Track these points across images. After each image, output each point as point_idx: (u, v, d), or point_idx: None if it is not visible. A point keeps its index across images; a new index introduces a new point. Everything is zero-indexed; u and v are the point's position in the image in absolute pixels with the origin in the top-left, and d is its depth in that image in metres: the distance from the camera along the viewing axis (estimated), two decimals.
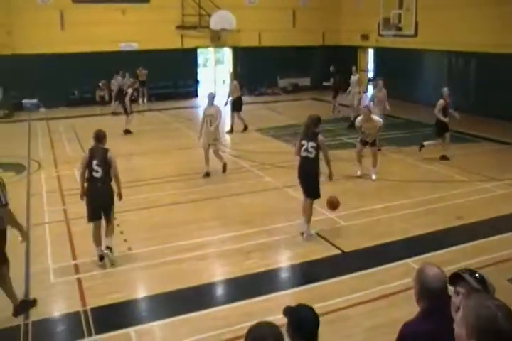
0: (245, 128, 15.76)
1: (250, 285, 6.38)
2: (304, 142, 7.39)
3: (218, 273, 6.79)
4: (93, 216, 6.77)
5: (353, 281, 6.32)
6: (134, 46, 21.44)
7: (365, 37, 23.32)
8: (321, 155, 7.52)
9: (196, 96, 23.02)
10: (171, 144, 14.04)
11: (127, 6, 21.02)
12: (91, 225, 6.85)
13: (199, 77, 23.61)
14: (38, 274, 6.46)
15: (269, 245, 7.41)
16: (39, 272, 6.52)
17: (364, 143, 10.83)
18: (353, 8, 24.13)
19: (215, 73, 24.37)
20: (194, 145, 13.89)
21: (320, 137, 7.42)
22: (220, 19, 21.77)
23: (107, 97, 20.88)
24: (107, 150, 6.77)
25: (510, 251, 7.09)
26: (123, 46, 21.26)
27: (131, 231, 7.87)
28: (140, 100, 21.22)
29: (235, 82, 15.92)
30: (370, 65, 24.62)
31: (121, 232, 7.79)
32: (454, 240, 7.48)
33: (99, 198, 6.72)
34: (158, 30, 21.12)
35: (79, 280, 6.38)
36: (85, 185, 6.91)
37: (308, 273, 6.74)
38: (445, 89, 12.21)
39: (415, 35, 16.16)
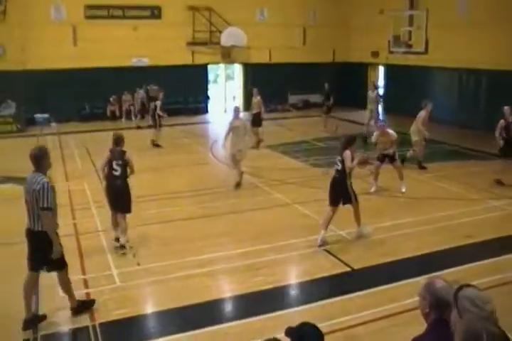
0: (258, 143, 15.78)
1: (259, 303, 6.34)
2: (336, 156, 8.23)
3: (227, 289, 6.77)
4: (111, 208, 7.96)
5: (361, 299, 6.27)
6: (145, 62, 21.69)
7: (375, 54, 23.44)
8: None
9: (206, 112, 23.18)
10: (182, 160, 14.11)
11: (139, 22, 21.31)
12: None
13: (209, 93, 23.78)
14: (48, 288, 6.45)
15: (278, 262, 7.38)
16: (48, 286, 6.51)
17: (382, 158, 10.83)
18: (363, 25, 24.32)
19: (225, 89, 24.55)
20: (204, 161, 14.02)
21: (346, 152, 7.99)
22: (231, 36, 21.97)
23: (117, 112, 21.08)
24: (124, 152, 7.80)
25: None
26: (134, 62, 21.51)
27: (140, 246, 7.88)
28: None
29: (258, 97, 16.03)
30: (381, 82, 24.70)
31: (131, 247, 7.79)
32: (464, 259, 7.42)
33: (118, 196, 7.80)
34: (170, 46, 21.37)
35: (88, 295, 6.38)
36: (105, 182, 7.98)
37: (317, 290, 6.69)
38: (506, 108, 11.39)
39: (426, 52, 16.21)
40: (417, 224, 8.84)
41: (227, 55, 22.69)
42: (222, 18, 22.25)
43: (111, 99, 20.91)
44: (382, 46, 19.44)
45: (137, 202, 10.04)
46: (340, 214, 9.24)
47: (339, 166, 8.07)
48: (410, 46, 16.79)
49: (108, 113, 21.03)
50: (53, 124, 19.60)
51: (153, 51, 21.28)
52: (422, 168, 12.57)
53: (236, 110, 11.47)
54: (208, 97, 23.54)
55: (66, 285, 5.89)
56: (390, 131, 10.88)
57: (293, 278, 7.12)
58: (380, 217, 9.21)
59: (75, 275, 6.82)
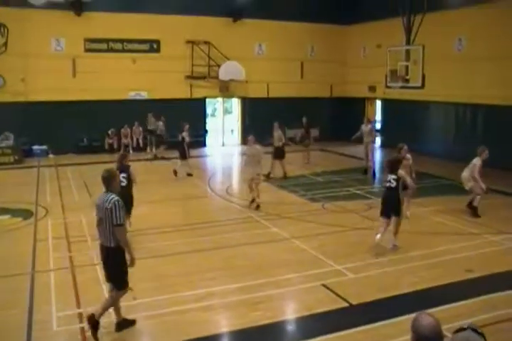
0: (285, 176, 16.11)
1: (257, 338, 6.26)
2: (388, 175, 9.28)
3: (223, 324, 6.65)
4: None
5: (359, 335, 6.18)
6: (144, 95, 21.97)
7: (372, 88, 23.84)
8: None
9: (205, 145, 23.32)
10: (179, 193, 14.10)
11: (138, 55, 21.71)
12: None
13: (207, 127, 23.98)
14: (41, 322, 6.35)
15: (275, 297, 7.30)
16: (42, 320, 6.42)
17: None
18: (360, 60, 24.82)
19: (223, 123, 24.78)
20: (202, 195, 14.02)
21: (399, 172, 9.21)
22: (229, 70, 22.34)
23: (115, 145, 21.19)
24: (129, 166, 9.87)
25: None
26: (132, 95, 21.79)
27: (136, 281, 7.74)
28: (148, 148, 21.51)
29: (279, 131, 16.32)
30: (378, 116, 25.02)
31: None
32: (464, 294, 7.35)
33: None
34: (168, 79, 21.70)
35: (82, 330, 6.26)
36: None
37: (315, 325, 6.58)
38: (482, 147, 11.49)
39: (422, 86, 16.47)
40: (416, 259, 8.79)
41: (225, 89, 23.01)
42: (220, 53, 22.69)
43: (109, 131, 21.05)
44: (380, 81, 19.77)
45: (133, 235, 10.04)
46: (338, 250, 9.27)
47: (393, 184, 9.13)
48: (407, 81, 17.05)
49: (106, 146, 21.14)
50: (51, 156, 19.74)
51: (152, 84, 21.61)
52: (478, 216, 11.64)
53: (252, 139, 12.49)
54: (206, 131, 23.74)
55: (110, 304, 6.19)
56: (408, 155, 11.19)
57: (291, 313, 7.02)
58: (378, 252, 9.13)
59: (70, 310, 6.75)
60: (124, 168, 9.68)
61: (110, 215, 5.89)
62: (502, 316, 6.64)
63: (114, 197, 5.98)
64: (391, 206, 9.17)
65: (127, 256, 6.11)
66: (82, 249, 9.29)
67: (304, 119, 18.01)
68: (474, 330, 2.82)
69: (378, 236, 9.16)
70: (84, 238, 9.88)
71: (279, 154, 16.14)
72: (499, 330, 6.24)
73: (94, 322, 5.98)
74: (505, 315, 6.70)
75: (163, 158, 19.71)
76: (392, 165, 9.34)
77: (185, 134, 16.28)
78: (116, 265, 6.07)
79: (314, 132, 18.77)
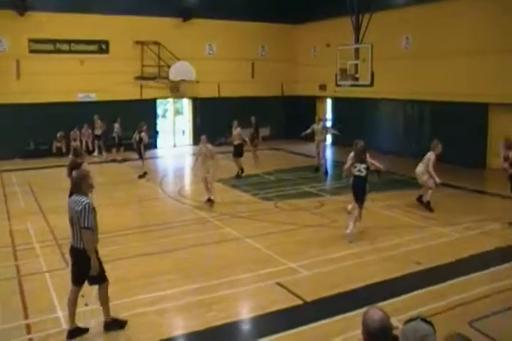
0: (239, 174, 16.24)
1: (211, 339, 6.20)
2: (356, 164, 9.77)
3: (180, 326, 6.56)
4: None
5: (314, 331, 6.22)
6: (92, 97, 21.50)
7: (322, 87, 24.11)
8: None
9: (156, 147, 23.01)
10: (131, 195, 13.88)
11: (86, 56, 21.21)
12: None
13: (158, 128, 23.69)
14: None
15: (230, 297, 7.27)
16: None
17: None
18: (310, 59, 25.07)
19: (174, 124, 24.53)
20: (154, 197, 13.83)
21: (368, 160, 9.92)
22: (180, 70, 22.17)
23: (64, 149, 20.65)
24: (81, 163, 9.99)
25: (469, 294, 7.17)
26: (81, 97, 21.28)
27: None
28: (96, 152, 21.05)
29: (238, 129, 16.37)
30: (329, 115, 25.33)
31: None
32: (414, 285, 7.51)
33: None
34: (118, 80, 21.29)
35: None
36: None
37: (269, 324, 6.59)
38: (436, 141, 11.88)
39: (371, 84, 16.77)
40: (367, 254, 8.94)
41: (176, 90, 22.79)
42: (170, 53, 22.46)
43: (58, 134, 20.49)
44: (330, 79, 20.01)
45: None
46: (292, 248, 9.32)
47: (363, 173, 9.77)
48: (356, 79, 17.30)
49: (54, 149, 20.58)
50: None
51: (101, 86, 21.16)
52: (431, 209, 11.85)
53: (203, 139, 12.79)
54: (156, 132, 23.44)
55: (104, 299, 6.31)
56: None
57: (246, 312, 6.99)
58: (331, 248, 9.25)
59: (17, 321, 6.51)
60: (76, 165, 9.83)
61: (79, 218, 5.92)
62: (450, 304, 6.85)
63: (84, 200, 5.99)
64: (360, 194, 9.83)
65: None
66: (29, 256, 8.99)
67: (253, 119, 17.91)
68: (423, 320, 2.89)
69: (348, 231, 9.66)
70: (31, 245, 9.56)
71: (238, 152, 16.25)
72: (448, 317, 6.44)
73: (110, 323, 6.30)
74: (453, 302, 6.91)
75: (124, 161, 19.40)
76: (360, 155, 9.83)
77: (143, 135, 16.20)
78: (83, 265, 6.05)
79: (265, 131, 18.74)
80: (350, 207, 10.50)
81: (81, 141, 20.98)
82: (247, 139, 16.65)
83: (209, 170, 12.58)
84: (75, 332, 6.16)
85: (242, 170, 16.28)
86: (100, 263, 6.18)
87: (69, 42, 20.99)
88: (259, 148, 18.29)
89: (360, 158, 9.79)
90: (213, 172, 12.73)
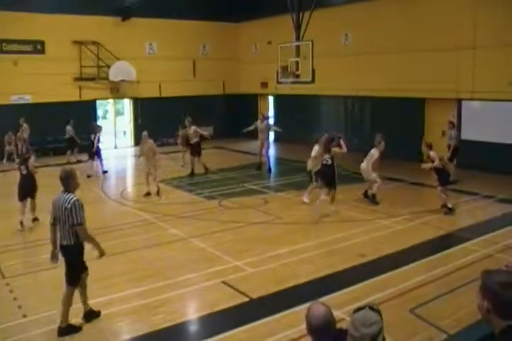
0: (206, 171, 16.32)
1: None
2: (325, 155, 11.16)
3: (125, 331, 6.42)
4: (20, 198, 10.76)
5: (262, 328, 6.24)
6: (28, 99, 20.73)
7: (264, 84, 24.22)
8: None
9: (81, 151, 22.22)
10: None
11: (20, 57, 20.40)
12: None
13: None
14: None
15: (176, 298, 7.19)
16: None
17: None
18: (252, 57, 25.12)
19: (115, 125, 23.99)
20: (96, 200, 13.47)
21: (334, 149, 11.18)
22: (119, 70, 21.76)
23: (15, 154, 19.75)
24: (28, 158, 10.98)
25: (410, 283, 7.42)
26: (15, 99, 20.48)
27: (25, 296, 7.32)
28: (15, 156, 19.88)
29: (193, 127, 16.22)
30: (271, 112, 25.50)
31: (15, 298, 7.22)
32: (359, 277, 7.69)
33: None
34: (55, 82, 20.64)
35: None
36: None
37: (216, 323, 6.56)
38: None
39: (312, 81, 16.96)
40: (312, 249, 9.07)
41: (116, 90, 22.38)
42: (110, 53, 22.00)
43: (6, 136, 19.57)
44: (271, 77, 20.12)
45: (24, 247, 9.47)
46: (237, 246, 9.32)
47: (329, 162, 11.11)
48: (298, 76, 17.45)
49: (5, 155, 19.69)
50: None
51: (37, 87, 20.43)
52: (377, 203, 12.17)
53: (145, 135, 13.66)
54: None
55: (68, 302, 6.26)
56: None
57: (192, 312, 6.94)
58: (275, 245, 9.31)
59: None
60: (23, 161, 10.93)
61: (70, 215, 5.97)
62: (393, 293, 7.06)
63: (73, 197, 6.04)
64: (328, 179, 11.14)
65: (95, 251, 6.33)
66: None
67: (187, 120, 16.91)
68: (371, 308, 2.93)
69: (318, 201, 11.11)
70: None
71: (195, 150, 16.17)
72: (391, 306, 6.61)
73: (66, 328, 6.17)
74: (395, 291, 7.13)
75: (79, 162, 18.88)
76: (325, 147, 11.19)
77: (98, 136, 16.42)
78: (71, 262, 6.25)
79: (208, 130, 18.56)
80: (322, 197, 11.28)
81: (16, 145, 20.15)
82: (205, 134, 16.67)
83: (155, 164, 13.42)
84: (66, 329, 6.20)
85: (206, 168, 16.41)
86: (80, 265, 6.33)
87: (0, 41, 20.14)
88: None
89: (326, 149, 11.12)
90: (156, 168, 13.51)
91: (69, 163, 18.77)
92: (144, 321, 6.50)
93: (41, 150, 20.65)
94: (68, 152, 19.57)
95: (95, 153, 16.64)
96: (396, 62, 18.03)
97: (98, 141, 16.61)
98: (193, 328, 6.59)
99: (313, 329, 3.05)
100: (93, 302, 6.94)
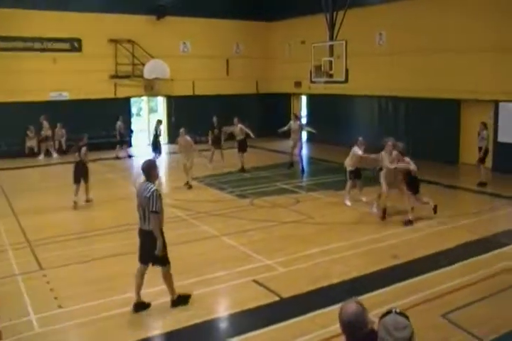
0: (242, 169, 16.62)
1: (189, 338, 6.17)
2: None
3: (157, 326, 6.50)
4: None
5: (292, 327, 6.23)
6: (66, 96, 21.17)
7: (298, 84, 24.15)
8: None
9: (130, 145, 22.74)
10: (106, 195, 13.65)
11: (59, 55, 20.86)
12: None
13: (133, 127, 23.41)
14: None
15: (207, 295, 7.23)
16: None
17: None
18: (285, 56, 25.09)
19: (148, 122, 24.30)
20: (129, 196, 13.63)
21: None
22: (154, 68, 21.98)
23: (36, 149, 20.28)
24: (82, 147, 12.48)
25: (443, 287, 7.28)
26: (53, 96, 20.93)
27: (61, 288, 7.49)
28: (42, 155, 20.31)
29: (239, 125, 16.72)
30: (304, 112, 25.41)
31: (52, 289, 7.40)
32: (391, 280, 7.60)
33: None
34: (91, 79, 21.03)
35: None
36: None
37: (247, 321, 6.58)
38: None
39: (346, 81, 16.85)
40: (345, 249, 8.99)
41: (150, 88, 22.60)
42: (144, 51, 22.26)
43: (28, 132, 20.08)
44: (305, 76, 20.04)
45: (59, 241, 9.68)
46: (268, 245, 9.32)
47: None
48: (331, 76, 17.36)
49: (26, 150, 20.21)
50: None
51: (74, 84, 20.88)
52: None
53: (182, 131, 14.59)
54: (131, 131, 23.15)
55: (168, 280, 6.79)
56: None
57: (223, 310, 6.98)
58: (308, 244, 9.28)
59: None
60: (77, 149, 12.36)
61: (148, 203, 6.45)
62: (424, 297, 6.95)
63: (152, 187, 6.53)
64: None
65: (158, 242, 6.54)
66: (1, 259, 8.81)
67: (215, 119, 17.60)
68: (398, 313, 2.91)
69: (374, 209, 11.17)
70: (3, 248, 9.37)
71: (241, 147, 16.76)
72: (423, 310, 6.52)
73: (176, 300, 6.80)
74: (427, 295, 7.00)
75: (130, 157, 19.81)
76: (390, 153, 10.72)
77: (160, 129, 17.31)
78: (152, 245, 6.53)
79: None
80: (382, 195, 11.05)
81: (53, 141, 20.64)
82: (251, 134, 16.96)
83: (189, 158, 14.33)
84: (140, 306, 6.71)
85: (243, 165, 16.77)
86: (165, 246, 6.68)
87: (41, 40, 20.60)
88: (225, 147, 18.11)
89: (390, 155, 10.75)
90: (192, 161, 14.36)
91: (117, 158, 19.53)
92: (175, 317, 6.56)
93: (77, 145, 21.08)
94: (118, 147, 20.06)
95: (156, 147, 17.31)
96: (431, 63, 17.73)
97: (160, 134, 17.51)
98: (223, 326, 6.62)
99: (342, 325, 3.03)
100: (124, 297, 7.08)
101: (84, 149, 12.36)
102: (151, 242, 6.54)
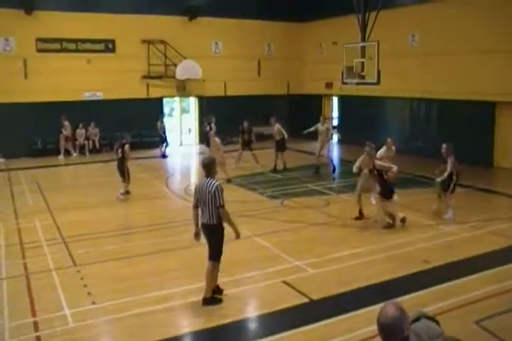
0: (285, 168, 16.87)
1: (219, 337, 6.23)
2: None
3: (186, 325, 6.58)
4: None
5: (321, 330, 6.22)
6: (99, 96, 21.53)
7: (329, 85, 24.04)
8: None
9: (167, 145, 22.92)
10: (137, 194, 13.82)
11: (93, 56, 21.21)
12: None
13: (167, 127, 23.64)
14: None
15: (237, 295, 7.28)
16: None
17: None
18: (317, 58, 25.01)
19: (180, 122, 24.53)
20: (160, 195, 13.85)
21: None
22: (186, 69, 22.16)
23: (70, 147, 20.63)
24: (124, 145, 13.22)
25: (475, 293, 7.16)
26: (88, 95, 21.32)
27: (95, 284, 7.65)
28: (61, 154, 20.39)
29: (277, 125, 16.90)
30: (335, 113, 25.28)
31: (85, 285, 7.57)
32: (421, 284, 7.51)
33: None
34: (124, 79, 21.34)
35: (38, 339, 6.09)
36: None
37: (276, 322, 6.60)
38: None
39: (378, 82, 16.70)
40: (374, 253, 8.91)
41: (182, 88, 22.80)
42: (177, 52, 22.46)
43: (63, 129, 20.47)
44: (336, 77, 19.95)
45: (91, 238, 9.87)
46: (298, 246, 9.32)
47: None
48: (363, 77, 17.23)
49: (71, 147, 20.61)
50: (1, 160, 19.11)
51: (108, 84, 21.20)
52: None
53: (212, 134, 15.19)
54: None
55: (210, 276, 6.95)
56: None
57: (252, 311, 7.01)
58: (337, 247, 9.25)
59: (24, 318, 6.54)
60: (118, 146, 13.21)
61: (214, 198, 6.70)
62: (457, 303, 6.85)
63: (215, 182, 6.82)
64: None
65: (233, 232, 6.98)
66: (37, 254, 9.04)
67: (245, 123, 17.36)
68: (427, 318, 2.83)
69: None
70: (39, 243, 9.61)
71: (279, 147, 16.93)
72: (456, 316, 6.43)
73: (210, 301, 6.89)
74: (460, 301, 6.90)
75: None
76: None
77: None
78: (216, 239, 6.89)
79: (271, 130, 18.47)
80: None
81: (88, 140, 21.03)
82: (285, 135, 16.95)
83: (221, 155, 14.43)
84: (210, 300, 6.92)
85: (285, 165, 16.94)
86: (221, 242, 6.93)
87: (76, 41, 21.01)
88: (256, 148, 18.06)
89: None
90: (222, 157, 14.55)
91: (165, 156, 20.15)
92: (205, 316, 6.62)
93: (109, 144, 21.45)
94: (160, 146, 20.46)
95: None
96: (464, 64, 17.43)
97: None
98: (252, 326, 6.65)
99: (378, 327, 2.91)
100: (155, 295, 7.19)
101: (127, 147, 13.01)
102: (216, 236, 6.86)
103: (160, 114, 21.69)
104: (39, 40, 20.32)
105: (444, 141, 11.54)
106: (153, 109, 22.19)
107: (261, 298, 7.31)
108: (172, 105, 26.58)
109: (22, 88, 19.65)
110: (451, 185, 10.73)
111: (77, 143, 20.78)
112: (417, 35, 19.54)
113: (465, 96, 17.28)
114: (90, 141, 21.09)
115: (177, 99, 24.57)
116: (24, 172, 17.21)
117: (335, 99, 25.13)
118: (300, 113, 25.02)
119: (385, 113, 21.82)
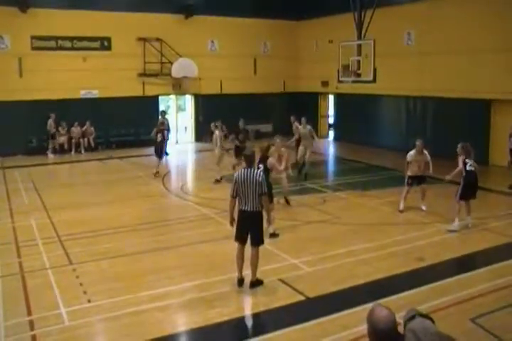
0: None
1: (214, 336, 6.22)
2: (468, 160, 10.14)
3: (181, 323, 6.59)
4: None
5: (317, 327, 6.23)
6: (95, 93, 21.48)
7: (325, 83, 24.05)
8: None
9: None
10: (133, 192, 13.85)
11: (88, 53, 21.18)
12: None
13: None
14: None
15: (232, 293, 7.28)
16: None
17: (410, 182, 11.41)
18: (313, 56, 25.01)
19: (176, 120, 24.49)
20: (156, 193, 13.82)
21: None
22: (182, 67, 22.15)
23: (66, 145, 20.60)
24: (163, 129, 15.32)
25: (471, 291, 7.19)
26: (83, 93, 21.27)
27: (90, 283, 7.63)
28: (49, 151, 20.34)
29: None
30: (331, 111, 25.31)
31: (81, 284, 7.55)
32: (416, 282, 7.53)
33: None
34: (120, 77, 21.31)
35: (34, 337, 6.07)
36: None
37: (272, 320, 6.62)
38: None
39: (374, 80, 16.71)
40: (369, 250, 8.93)
41: (178, 86, 22.79)
42: (173, 50, 22.44)
43: (60, 128, 20.43)
44: (332, 75, 19.95)
45: (87, 237, 9.86)
46: (294, 244, 9.33)
47: (473, 167, 10.22)
48: (359, 75, 17.23)
49: (56, 146, 20.57)
50: None
51: (104, 82, 21.16)
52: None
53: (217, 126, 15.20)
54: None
55: (256, 259, 7.34)
56: (425, 151, 11.31)
57: (248, 309, 7.02)
58: (333, 245, 9.26)
59: (20, 317, 6.53)
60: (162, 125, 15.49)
61: (259, 186, 7.08)
62: (452, 300, 6.87)
63: (259, 172, 7.35)
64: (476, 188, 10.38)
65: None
66: (32, 253, 9.02)
67: (241, 122, 15.60)
68: (422, 316, 2.84)
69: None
70: (34, 242, 9.59)
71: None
72: (451, 313, 6.45)
73: (257, 283, 7.35)
74: (455, 298, 6.93)
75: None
76: (471, 151, 10.31)
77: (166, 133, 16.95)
78: (260, 226, 7.31)
79: (267, 127, 18.45)
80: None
81: (83, 138, 20.99)
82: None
83: (218, 149, 14.96)
84: (258, 282, 7.40)
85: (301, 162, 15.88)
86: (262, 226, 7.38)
87: (71, 39, 20.95)
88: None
89: (471, 154, 10.25)
90: (220, 151, 14.96)
91: (166, 153, 19.63)
92: (201, 314, 6.61)
93: (105, 143, 21.47)
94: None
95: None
96: (460, 62, 17.47)
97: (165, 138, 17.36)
98: (248, 324, 6.65)
99: (377, 332, 2.89)
100: (151, 293, 7.19)
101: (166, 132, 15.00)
102: (256, 223, 7.24)
103: (163, 110, 21.39)
104: (34, 37, 20.26)
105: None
106: (149, 106, 22.16)
107: (257, 295, 7.28)
108: (168, 103, 26.54)
109: (17, 86, 19.59)
110: (459, 190, 10.35)
111: (72, 141, 20.72)
112: (412, 33, 19.57)
113: (461, 94, 17.32)
114: (86, 139, 21.03)
115: (173, 97, 24.56)
116: (19, 170, 17.16)
117: (331, 97, 25.15)
118: (296, 111, 24.96)
119: (380, 111, 21.86)
